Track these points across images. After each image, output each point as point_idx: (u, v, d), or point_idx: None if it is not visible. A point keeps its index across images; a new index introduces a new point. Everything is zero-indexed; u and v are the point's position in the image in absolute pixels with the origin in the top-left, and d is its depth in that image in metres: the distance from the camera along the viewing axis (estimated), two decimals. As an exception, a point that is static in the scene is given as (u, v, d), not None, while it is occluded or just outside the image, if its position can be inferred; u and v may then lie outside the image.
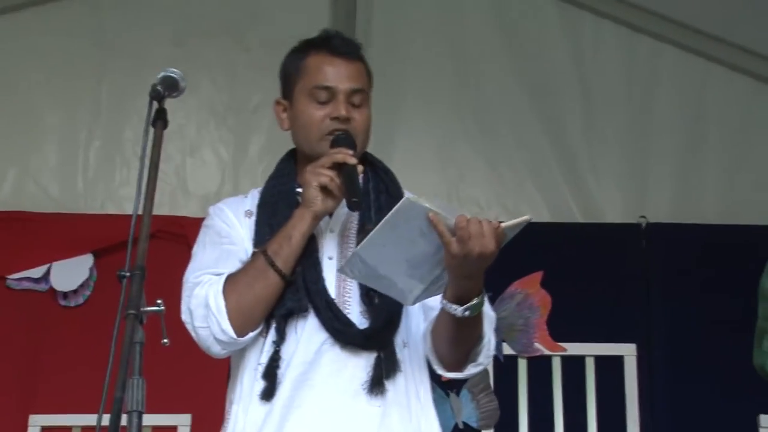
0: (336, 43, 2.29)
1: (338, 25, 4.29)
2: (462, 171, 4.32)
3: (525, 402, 3.89)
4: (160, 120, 2.07)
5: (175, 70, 2.13)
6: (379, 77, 4.34)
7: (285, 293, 2.14)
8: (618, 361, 3.94)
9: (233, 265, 2.19)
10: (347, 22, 4.30)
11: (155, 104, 2.07)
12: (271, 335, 2.16)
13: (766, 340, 2.46)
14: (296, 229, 2.14)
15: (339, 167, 2.16)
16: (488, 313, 2.20)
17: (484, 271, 2.05)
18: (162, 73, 2.11)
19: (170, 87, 2.10)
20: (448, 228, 2.00)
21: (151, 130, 2.05)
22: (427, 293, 2.10)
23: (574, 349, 3.93)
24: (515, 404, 3.89)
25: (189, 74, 2.15)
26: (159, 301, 1.90)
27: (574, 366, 3.93)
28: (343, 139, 2.21)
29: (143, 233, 1.92)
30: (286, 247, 2.13)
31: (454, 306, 2.06)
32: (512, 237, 2.07)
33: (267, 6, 4.34)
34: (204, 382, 3.64)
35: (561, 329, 3.98)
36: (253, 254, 2.18)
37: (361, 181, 2.24)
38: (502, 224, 2.02)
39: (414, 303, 2.12)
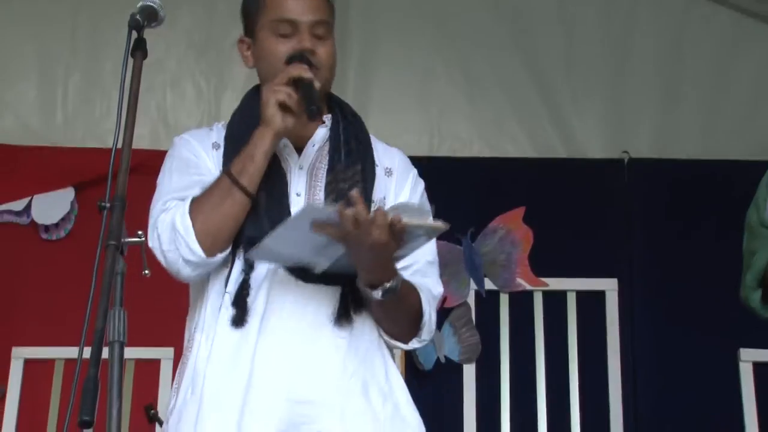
0: None
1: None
2: (443, 108, 4.30)
3: (507, 337, 3.93)
4: (139, 50, 2.04)
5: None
6: (359, 16, 4.32)
7: (246, 222, 2.14)
8: (599, 296, 3.98)
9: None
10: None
11: (134, 34, 2.04)
12: (238, 264, 2.16)
13: (749, 273, 2.47)
14: (257, 147, 2.13)
15: (296, 83, 2.14)
16: (428, 289, 2.22)
17: (387, 261, 2.05)
18: (141, 3, 2.08)
19: (149, 17, 2.07)
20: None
21: (131, 60, 2.03)
22: (334, 267, 2.10)
23: (555, 284, 3.96)
24: (497, 339, 3.92)
25: (168, 7, 2.12)
26: (140, 233, 1.90)
27: (555, 301, 3.97)
28: (298, 56, 2.19)
29: (123, 165, 1.91)
30: (250, 166, 2.12)
31: (368, 290, 2.09)
32: (427, 235, 2.09)
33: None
34: (183, 312, 3.64)
35: (543, 264, 4.00)
36: (217, 177, 2.17)
37: (329, 120, 2.25)
38: (405, 219, 2.02)
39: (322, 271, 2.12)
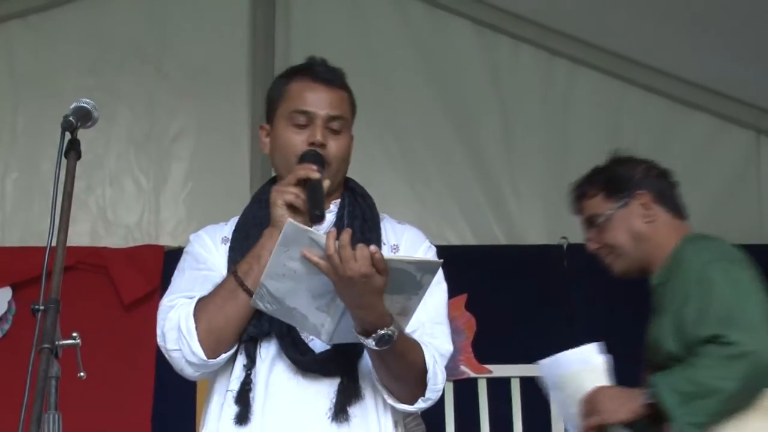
0: (318, 70, 2.32)
1: (257, 49, 4.30)
2: (383, 192, 4.29)
3: (452, 425, 3.92)
4: (73, 151, 2.05)
5: (88, 100, 2.11)
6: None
7: (250, 320, 2.13)
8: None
9: (208, 290, 2.18)
10: (266, 45, 4.31)
11: (68, 135, 2.05)
12: (240, 359, 2.16)
13: None
14: (265, 248, 2.12)
15: (304, 183, 2.16)
16: (435, 347, 2.19)
17: (374, 300, 2.02)
18: (74, 104, 2.09)
19: (83, 117, 2.08)
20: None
21: (65, 161, 2.03)
22: (340, 331, 2.09)
23: (499, 371, 3.96)
24: (442, 427, 3.90)
25: (106, 103, 2.15)
26: (75, 334, 1.87)
27: (500, 387, 3.96)
28: (310, 155, 2.21)
29: (57, 266, 1.90)
30: (256, 267, 2.11)
31: (363, 338, 2.07)
32: (421, 274, 2.05)
33: (183, 32, 4.32)
34: (123, 415, 3.60)
35: (486, 351, 4.00)
36: (224, 277, 2.17)
37: (336, 206, 2.26)
38: (387, 256, 2.03)
39: (330, 341, 2.11)
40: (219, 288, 2.15)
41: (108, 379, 3.66)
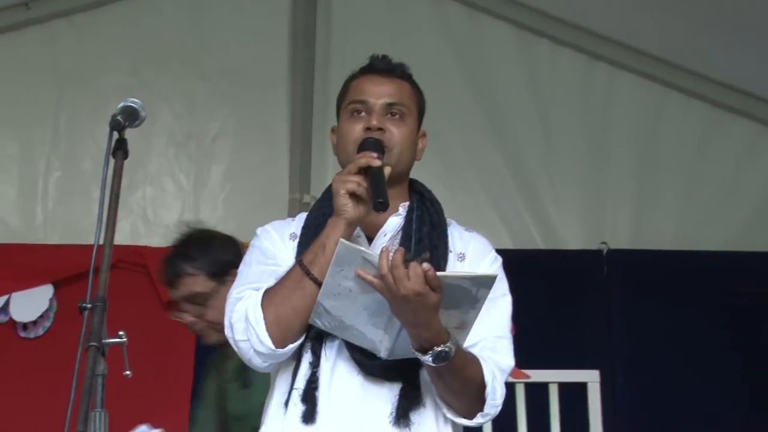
0: (376, 63, 2.33)
1: (297, 50, 4.30)
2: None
3: (490, 429, 3.89)
4: (120, 150, 2.06)
5: (135, 100, 2.12)
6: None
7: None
8: (581, 387, 3.96)
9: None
10: (305, 47, 4.31)
11: (115, 134, 2.06)
12: (306, 357, 2.15)
13: None
14: (330, 237, 2.11)
15: (366, 171, 2.14)
16: (495, 361, 2.19)
17: (429, 317, 2.01)
18: (122, 103, 2.10)
19: (130, 117, 2.09)
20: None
21: (112, 160, 2.04)
22: (398, 347, 2.09)
23: (537, 376, 3.94)
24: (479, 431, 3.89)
25: (148, 104, 2.15)
26: (121, 333, 1.88)
27: (538, 393, 3.94)
28: (370, 143, 2.19)
29: (104, 264, 1.91)
30: (321, 256, 2.11)
31: (420, 355, 2.06)
32: (476, 288, 2.03)
33: (224, 34, 4.34)
34: (168, 414, 3.61)
35: (524, 356, 3.95)
36: (290, 267, 2.16)
37: (405, 209, 2.24)
38: (440, 273, 2.01)
39: (389, 356, 2.10)
40: (285, 278, 2.14)
41: (146, 378, 3.67)
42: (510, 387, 3.93)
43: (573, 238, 4.27)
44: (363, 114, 2.24)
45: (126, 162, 2.06)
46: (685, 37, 4.16)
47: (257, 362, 2.15)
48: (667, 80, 4.34)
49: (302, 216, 2.31)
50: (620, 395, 4.01)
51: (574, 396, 3.95)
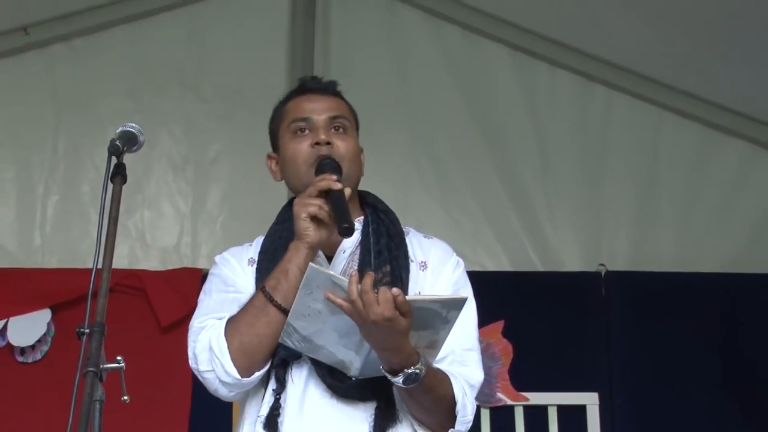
0: (310, 83, 2.35)
1: (295, 73, 4.31)
2: (418, 217, 4.32)
3: (488, 452, 3.89)
4: (118, 175, 2.06)
5: (134, 124, 2.13)
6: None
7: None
8: (580, 410, 3.95)
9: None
10: (304, 69, 4.31)
11: (114, 159, 2.06)
12: (271, 384, 2.14)
13: None
14: (292, 262, 2.12)
15: (326, 194, 2.14)
16: (465, 377, 2.18)
17: (398, 341, 2.01)
18: (121, 128, 2.11)
19: (129, 141, 2.10)
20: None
21: (110, 184, 2.04)
22: (368, 366, 2.09)
23: (536, 398, 3.94)
24: (478, 454, 3.88)
25: (146, 127, 2.16)
26: (119, 358, 1.88)
27: (536, 415, 3.94)
28: (326, 164, 2.20)
29: (103, 289, 1.91)
30: (284, 282, 2.11)
31: (390, 376, 2.06)
32: (446, 310, 2.03)
33: (222, 57, 4.35)
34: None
35: (523, 379, 3.98)
36: (253, 294, 2.16)
37: (360, 223, 2.24)
38: (409, 297, 2.01)
39: (360, 376, 2.10)
40: (248, 305, 2.14)
41: (144, 402, 3.66)
42: (509, 410, 3.97)
43: (571, 260, 4.26)
44: (307, 132, 2.25)
45: (124, 185, 2.06)
46: (679, 59, 4.18)
47: (223, 392, 2.14)
48: (662, 101, 4.35)
49: (260, 240, 2.31)
50: (619, 418, 4.00)
51: (573, 418, 3.94)
